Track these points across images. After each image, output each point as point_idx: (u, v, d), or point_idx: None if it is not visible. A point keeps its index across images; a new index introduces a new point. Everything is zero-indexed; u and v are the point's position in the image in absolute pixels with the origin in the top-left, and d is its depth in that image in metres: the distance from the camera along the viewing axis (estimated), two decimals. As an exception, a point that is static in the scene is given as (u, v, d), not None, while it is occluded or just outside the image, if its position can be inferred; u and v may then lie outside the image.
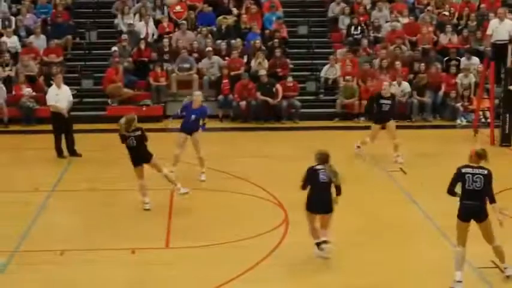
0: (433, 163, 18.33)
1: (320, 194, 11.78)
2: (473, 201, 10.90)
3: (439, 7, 26.48)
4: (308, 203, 11.80)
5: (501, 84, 20.31)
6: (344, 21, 25.87)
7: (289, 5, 27.21)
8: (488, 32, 20.74)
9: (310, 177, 11.81)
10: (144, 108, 22.87)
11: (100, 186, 16.12)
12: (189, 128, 16.26)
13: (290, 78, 23.25)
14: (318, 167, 11.82)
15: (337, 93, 23.42)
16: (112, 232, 13.36)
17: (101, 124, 22.06)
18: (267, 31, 25.35)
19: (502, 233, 11.20)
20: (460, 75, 23.74)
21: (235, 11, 25.91)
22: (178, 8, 26.04)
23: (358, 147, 18.50)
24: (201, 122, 16.38)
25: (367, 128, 22.26)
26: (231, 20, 25.50)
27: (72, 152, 18.59)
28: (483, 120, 22.16)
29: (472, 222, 11.03)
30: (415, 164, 18.30)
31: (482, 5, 26.54)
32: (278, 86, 22.99)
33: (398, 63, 23.71)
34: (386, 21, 25.91)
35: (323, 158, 11.88)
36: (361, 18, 25.73)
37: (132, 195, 15.31)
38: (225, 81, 23.25)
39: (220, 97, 23.20)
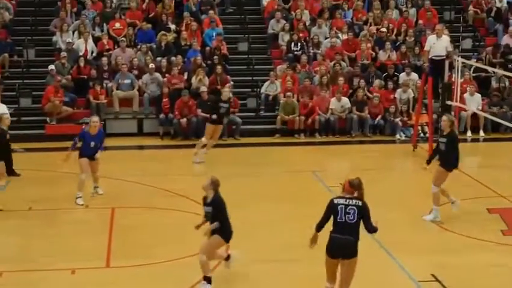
0: (372, 178, 18.41)
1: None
2: (343, 235, 10.03)
3: (378, 23, 26.77)
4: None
5: (439, 99, 20.56)
6: (284, 38, 26.00)
7: (229, 22, 27.27)
8: (426, 47, 20.98)
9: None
10: (83, 126, 22.64)
11: (39, 206, 15.88)
12: (90, 154, 16.14)
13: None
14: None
15: (278, 110, 23.49)
16: (52, 252, 13.17)
17: (40, 143, 21.81)
18: (207, 48, 25.34)
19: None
20: (399, 90, 24.01)
21: (174, 27, 25.87)
22: (117, 25, 25.91)
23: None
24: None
25: (308, 144, 22.54)
26: (170, 36, 25.45)
27: (11, 172, 18.30)
28: (422, 135, 22.41)
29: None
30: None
31: (420, 21, 26.92)
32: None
33: (341, 79, 23.89)
34: (326, 38, 26.10)
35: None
36: (301, 35, 25.87)
37: (72, 214, 15.16)
38: (165, 99, 23.16)
39: (161, 115, 23.08)
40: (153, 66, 23.91)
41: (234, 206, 15.58)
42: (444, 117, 15.19)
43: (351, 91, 24.12)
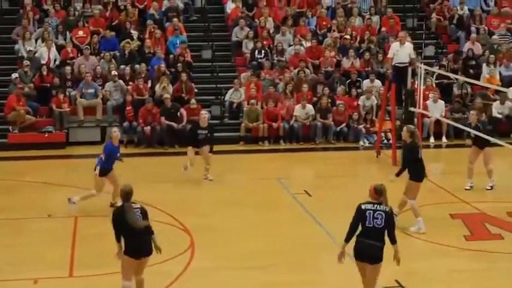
0: (337, 185, 18.58)
1: None
2: (372, 240, 10.19)
3: (341, 31, 26.89)
4: None
5: (402, 105, 20.69)
6: (248, 45, 26.03)
7: (193, 29, 27.23)
8: (390, 55, 21.10)
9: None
10: (46, 135, 22.51)
11: (2, 215, 15.74)
12: (112, 168, 15.91)
13: (193, 100, 23.20)
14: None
15: (242, 117, 23.49)
16: (15, 262, 13.04)
17: (3, 152, 21.62)
18: (171, 55, 25.30)
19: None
20: (362, 97, 24.13)
21: (138, 35, 25.78)
22: (80, 33, 25.77)
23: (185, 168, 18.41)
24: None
25: (273, 151, 22.57)
26: (134, 44, 25.37)
27: None
28: (385, 141, 22.53)
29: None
30: (319, 186, 18.50)
31: (383, 29, 27.08)
32: (182, 111, 22.94)
33: (305, 86, 23.96)
34: (290, 45, 26.17)
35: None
36: (265, 42, 25.92)
37: (36, 223, 15.03)
38: (129, 107, 23.07)
39: (125, 123, 22.98)
40: (116, 73, 23.81)
41: (199, 214, 15.71)
42: (404, 128, 15.28)
43: (315, 98, 24.18)
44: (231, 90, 24.24)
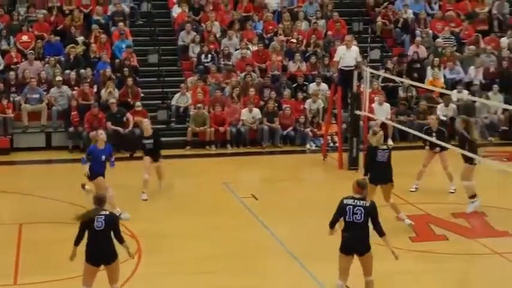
0: (284, 188, 18.62)
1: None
2: (353, 234, 10.62)
3: (288, 34, 26.98)
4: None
5: (348, 109, 20.82)
6: (194, 50, 25.96)
7: (139, 34, 27.09)
8: (336, 58, 21.23)
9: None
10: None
11: None
12: (102, 171, 15.71)
13: (138, 103, 23.06)
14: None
15: (188, 122, 23.42)
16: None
17: None
18: (116, 60, 25.13)
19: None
20: (309, 101, 24.22)
21: (83, 39, 25.57)
22: (25, 38, 25.44)
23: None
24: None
25: (220, 155, 22.54)
26: (79, 49, 25.15)
27: None
28: (331, 144, 22.63)
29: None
30: (266, 190, 18.53)
31: (329, 33, 27.23)
32: (129, 115, 22.78)
33: (252, 90, 23.99)
34: (236, 49, 26.17)
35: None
36: (211, 46, 25.89)
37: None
38: (74, 112, 22.85)
39: (70, 128, 22.77)
40: (60, 78, 23.57)
41: (146, 219, 15.61)
42: (370, 131, 15.48)
43: (261, 102, 24.22)
44: (177, 95, 24.15)
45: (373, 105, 23.22)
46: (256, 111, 23.64)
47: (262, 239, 14.68)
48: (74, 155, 22.17)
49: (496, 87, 25.02)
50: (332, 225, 10.95)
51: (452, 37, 27.64)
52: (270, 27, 27.43)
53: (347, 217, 10.61)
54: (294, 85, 25.00)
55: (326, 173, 20.83)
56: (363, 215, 10.52)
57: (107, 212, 10.71)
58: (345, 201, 10.68)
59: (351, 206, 10.59)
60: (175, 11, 27.63)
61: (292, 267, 13.09)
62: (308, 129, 23.61)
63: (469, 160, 15.78)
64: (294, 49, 26.18)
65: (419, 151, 18.97)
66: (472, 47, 27.02)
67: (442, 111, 24.20)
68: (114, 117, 22.58)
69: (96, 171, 15.64)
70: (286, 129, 23.64)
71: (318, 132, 23.52)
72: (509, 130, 24.71)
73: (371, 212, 10.60)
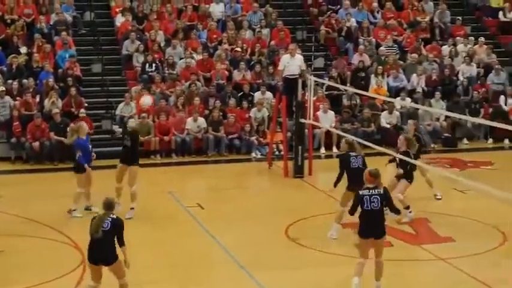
0: (229, 197, 18.62)
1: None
2: (374, 220, 11.64)
3: (232, 43, 26.99)
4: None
5: (293, 117, 20.89)
6: (138, 59, 25.82)
7: (83, 43, 26.86)
8: (280, 67, 21.30)
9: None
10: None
11: None
12: (90, 159, 16.61)
13: (82, 110, 22.83)
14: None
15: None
16: None
17: None
18: (60, 70, 24.88)
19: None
20: (254, 109, 24.25)
21: (26, 49, 25.27)
22: (-34, 48, 25.11)
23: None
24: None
25: (165, 164, 22.44)
26: (22, 59, 24.84)
27: None
28: (277, 152, 22.68)
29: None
30: (212, 199, 18.50)
31: (273, 41, 27.31)
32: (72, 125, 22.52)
33: (197, 99, 23.94)
34: (181, 58, 26.10)
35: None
36: (156, 56, 25.78)
37: None
38: (16, 123, 22.55)
39: (13, 139, 22.48)
40: (4, 89, 23.25)
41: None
42: (343, 140, 15.65)
43: (206, 111, 24.19)
44: (121, 104, 23.98)
45: (317, 113, 23.34)
46: (201, 120, 23.59)
47: (207, 248, 14.64)
48: (16, 166, 21.92)
49: (438, 94, 25.34)
50: (352, 213, 12.10)
51: (395, 45, 27.94)
52: (215, 36, 27.41)
53: (365, 206, 11.61)
54: (239, 94, 25.02)
55: (271, 181, 20.86)
56: (379, 202, 11.61)
57: (114, 216, 11.04)
58: (361, 193, 11.71)
59: (368, 196, 11.63)
60: (119, 20, 27.47)
61: (238, 276, 13.07)
62: (253, 138, 23.63)
63: (409, 178, 15.90)
64: (239, 58, 26.21)
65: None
66: (415, 55, 27.34)
67: (385, 118, 24.43)
68: (58, 128, 22.34)
69: (85, 163, 16.22)
70: (231, 137, 23.62)
71: (263, 140, 23.55)
72: (452, 137, 25.03)
73: (386, 197, 11.77)
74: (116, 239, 10.93)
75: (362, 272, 11.86)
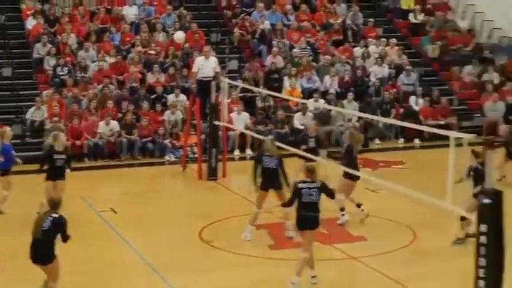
0: (143, 201, 18.45)
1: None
2: (310, 213, 12.06)
3: (146, 46, 26.78)
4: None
5: (207, 119, 20.84)
6: (50, 62, 25.40)
7: (-8, 47, 26.36)
8: (194, 69, 21.25)
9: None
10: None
11: None
12: (10, 166, 16.65)
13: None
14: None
15: (45, 136, 22.84)
16: None
17: None
18: (-32, 74, 24.36)
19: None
20: (167, 112, 24.11)
21: None
22: None
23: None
24: None
25: (77, 169, 22.05)
26: None
27: None
28: (191, 155, 22.59)
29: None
30: (125, 203, 18.31)
31: (187, 44, 27.21)
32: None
33: (110, 103, 23.68)
34: (94, 61, 25.80)
35: None
36: (68, 59, 25.41)
37: None
38: None
39: None
40: None
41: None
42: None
43: (120, 114, 23.94)
44: (32, 109, 23.55)
45: (231, 115, 23.34)
46: (114, 124, 23.33)
47: (120, 253, 14.50)
48: None
49: (350, 95, 25.61)
50: (289, 205, 12.64)
51: (308, 47, 28.12)
52: (128, 38, 27.16)
53: (302, 199, 12.06)
54: (153, 96, 24.85)
55: (186, 184, 20.79)
56: (318, 195, 12.09)
57: (56, 215, 10.94)
58: (299, 186, 12.18)
59: (306, 189, 12.07)
60: (30, 22, 26.96)
61: (151, 280, 12.98)
62: (167, 141, 23.48)
63: (354, 177, 15.63)
64: (152, 60, 26.03)
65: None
66: (327, 56, 27.60)
67: (299, 120, 24.57)
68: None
69: (7, 169, 16.19)
70: (145, 141, 23.44)
71: (177, 143, 23.42)
72: (365, 137, 25.27)
73: (324, 189, 12.22)
74: (56, 239, 10.99)
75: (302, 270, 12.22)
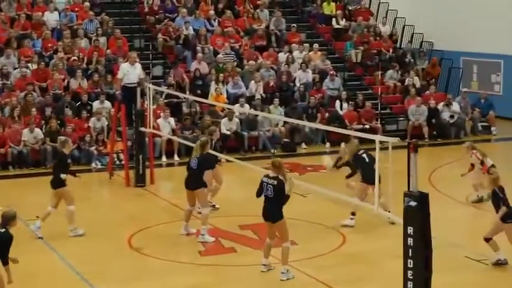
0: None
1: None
2: (268, 206, 12.73)
3: (68, 52, 26.49)
4: None
5: (133, 126, 20.71)
6: (-30, 70, 24.97)
7: None
8: (119, 75, 21.08)
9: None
10: None
11: None
12: None
13: None
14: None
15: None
16: None
17: None
18: None
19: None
20: (93, 119, 23.87)
21: None
22: None
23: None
24: None
25: (1, 178, 21.70)
26: None
27: None
28: (117, 162, 22.43)
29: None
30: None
31: (109, 50, 27.00)
32: None
33: (34, 110, 23.34)
34: (15, 68, 25.40)
35: None
36: (-12, 66, 25.01)
37: None
38: None
39: None
40: None
41: None
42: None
43: (43, 122, 23.62)
44: (-48, 117, 23.10)
45: (158, 121, 23.26)
46: (38, 131, 23.01)
47: (48, 263, 14.28)
48: None
49: (276, 100, 25.77)
50: (257, 196, 12.99)
51: (233, 52, 28.21)
52: (50, 44, 26.83)
53: (263, 192, 12.76)
54: (77, 103, 24.59)
55: (113, 191, 20.61)
56: (272, 191, 12.58)
57: (2, 230, 10.77)
58: (263, 179, 12.79)
59: (265, 183, 12.68)
60: (-52, 29, 26.45)
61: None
62: (93, 148, 23.25)
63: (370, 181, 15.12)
64: (76, 67, 25.76)
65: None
66: (252, 62, 27.73)
67: (226, 125, 24.61)
68: None
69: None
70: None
71: (104, 150, 23.21)
72: (291, 142, 25.49)
73: (279, 189, 12.58)
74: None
75: (269, 253, 13.14)
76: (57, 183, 15.75)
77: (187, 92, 25.29)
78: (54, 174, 15.87)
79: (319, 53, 29.11)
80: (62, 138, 17.44)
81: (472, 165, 17.95)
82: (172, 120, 24.17)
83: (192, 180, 15.31)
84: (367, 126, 26.01)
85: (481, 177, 17.58)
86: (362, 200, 15.40)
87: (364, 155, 16.07)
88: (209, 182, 16.27)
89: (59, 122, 23.43)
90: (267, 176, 12.79)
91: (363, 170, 15.85)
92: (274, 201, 12.68)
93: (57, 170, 15.88)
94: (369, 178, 15.10)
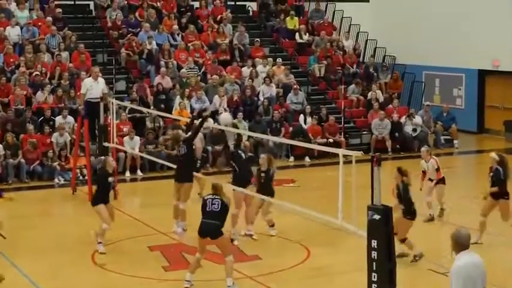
0: (32, 224, 18.06)
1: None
2: (212, 221, 12.89)
3: (30, 67, 26.30)
4: None
5: (96, 141, 20.61)
6: None
7: None
8: (83, 90, 20.95)
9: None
10: None
11: None
12: None
13: None
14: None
15: None
16: None
17: None
18: None
19: None
20: (55, 134, 23.71)
21: None
22: None
23: None
24: None
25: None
26: None
27: None
28: (81, 177, 22.29)
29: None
30: (14, 227, 17.85)
31: (71, 64, 26.83)
32: None
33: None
34: (-24, 83, 25.20)
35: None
36: (-51, 81, 24.73)
37: None
38: None
39: None
40: None
41: None
42: None
43: (4, 137, 23.40)
44: None
45: (124, 139, 23.22)
46: (0, 147, 22.79)
47: (11, 279, 14.10)
48: None
49: (240, 114, 25.79)
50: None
51: (196, 67, 28.21)
52: (12, 59, 26.62)
53: (207, 208, 12.95)
54: (40, 119, 24.41)
55: (76, 207, 20.44)
56: (219, 205, 12.94)
57: None
58: (205, 197, 13.23)
59: (210, 199, 13.01)
60: None
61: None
62: (56, 163, 23.08)
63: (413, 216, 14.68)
64: (38, 82, 25.58)
65: (168, 181, 18.89)
66: (216, 76, 27.74)
67: (189, 140, 24.51)
68: None
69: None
70: (33, 164, 22.98)
71: (67, 165, 23.06)
72: (254, 156, 25.44)
73: (226, 205, 13.07)
74: None
75: (195, 268, 13.12)
76: None
77: (152, 107, 25.22)
78: None
79: (283, 67, 29.22)
80: (102, 158, 17.88)
81: (424, 172, 18.00)
82: (137, 138, 23.98)
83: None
84: (330, 140, 26.12)
85: (432, 192, 17.75)
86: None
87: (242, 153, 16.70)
88: (238, 203, 16.19)
89: (15, 136, 23.19)
90: (209, 194, 13.23)
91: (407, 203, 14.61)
92: (219, 216, 12.97)
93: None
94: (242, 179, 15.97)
